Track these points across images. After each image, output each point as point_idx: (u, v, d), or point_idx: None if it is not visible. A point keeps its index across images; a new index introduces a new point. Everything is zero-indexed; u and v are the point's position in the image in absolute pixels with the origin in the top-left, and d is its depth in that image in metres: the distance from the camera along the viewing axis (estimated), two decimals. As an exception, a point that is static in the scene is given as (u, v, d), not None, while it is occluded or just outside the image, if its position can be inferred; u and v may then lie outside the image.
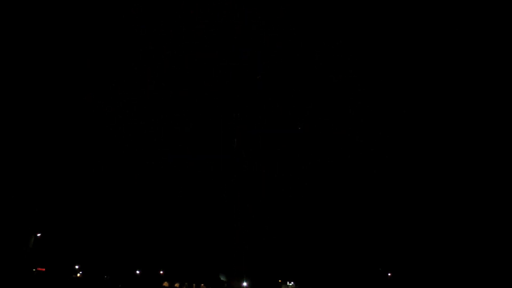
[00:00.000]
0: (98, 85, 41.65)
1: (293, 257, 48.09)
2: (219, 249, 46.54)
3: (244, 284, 46.93)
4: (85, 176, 44.60)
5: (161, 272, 49.74)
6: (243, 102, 42.83)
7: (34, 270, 44.27)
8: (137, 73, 41.35)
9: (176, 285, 50.14)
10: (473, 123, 42.81)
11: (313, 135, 46.29)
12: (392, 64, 42.82)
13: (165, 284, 50.01)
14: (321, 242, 47.88)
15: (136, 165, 44.53)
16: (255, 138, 43.65)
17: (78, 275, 48.33)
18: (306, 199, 47.62)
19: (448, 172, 44.28)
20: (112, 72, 40.95)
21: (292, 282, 51.41)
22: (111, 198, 44.96)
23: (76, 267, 48.07)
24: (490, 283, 40.87)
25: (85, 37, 39.71)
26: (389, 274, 48.05)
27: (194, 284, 50.18)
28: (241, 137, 43.65)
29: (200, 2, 37.83)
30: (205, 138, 43.09)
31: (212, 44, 39.26)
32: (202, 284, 49.97)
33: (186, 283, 50.13)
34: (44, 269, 45.23)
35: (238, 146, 43.62)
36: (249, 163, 44.76)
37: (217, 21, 38.46)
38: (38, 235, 43.15)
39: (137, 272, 49.24)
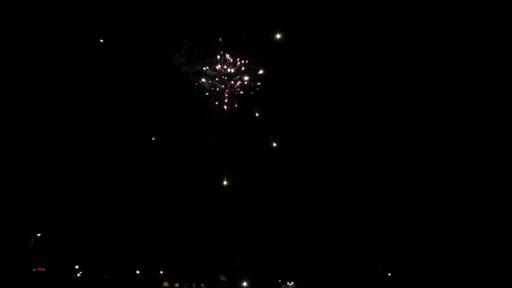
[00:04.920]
0: (98, 84, 41.64)
1: (293, 257, 48.13)
2: (219, 249, 46.59)
3: (244, 284, 46.95)
4: (85, 175, 44.62)
5: (161, 272, 49.74)
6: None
7: (34, 270, 44.27)
8: (137, 72, 41.34)
9: (176, 285, 50.15)
10: (473, 123, 42.83)
11: (313, 134, 46.31)
12: (392, 65, 42.84)
13: (165, 284, 50.02)
14: (321, 242, 47.91)
15: (136, 164, 44.54)
16: (256, 136, 43.65)
17: (78, 275, 48.30)
18: (306, 198, 47.67)
19: (448, 172, 44.30)
20: (111, 72, 40.95)
21: (292, 282, 51.41)
22: (111, 198, 44.98)
23: (76, 267, 48.05)
24: (490, 283, 40.90)
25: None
26: (389, 274, 48.07)
27: (194, 284, 50.19)
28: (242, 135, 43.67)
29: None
30: (204, 138, 43.08)
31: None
32: (202, 284, 49.99)
33: (186, 283, 50.13)
34: (44, 269, 45.23)
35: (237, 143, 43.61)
36: (248, 162, 44.78)
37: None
38: (38, 235, 43.16)
39: (137, 272, 49.24)
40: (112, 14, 37.16)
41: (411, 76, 43.13)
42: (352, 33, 40.35)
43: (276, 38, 37.85)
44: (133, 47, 38.63)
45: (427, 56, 41.90)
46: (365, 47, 41.43)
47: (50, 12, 37.66)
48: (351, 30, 40.19)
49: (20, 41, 38.12)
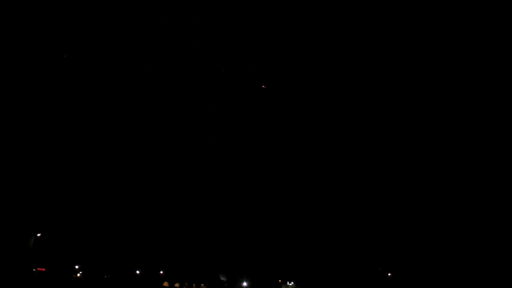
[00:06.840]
0: (97, 84, 41.65)
1: (293, 257, 48.11)
2: (219, 249, 46.58)
3: (244, 284, 46.93)
4: (85, 175, 44.63)
5: (161, 272, 49.75)
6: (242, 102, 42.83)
7: (34, 270, 44.28)
8: (137, 72, 41.34)
9: (176, 285, 50.16)
10: (473, 123, 42.83)
11: (313, 134, 46.30)
12: (392, 64, 42.83)
13: (165, 284, 50.03)
14: (321, 242, 47.90)
15: (136, 164, 44.55)
16: (254, 136, 43.66)
17: (78, 275, 48.33)
18: (306, 198, 47.66)
19: (448, 172, 44.30)
20: (111, 71, 40.95)
21: (292, 282, 51.39)
22: (110, 198, 44.99)
23: (76, 267, 48.07)
24: (490, 283, 40.88)
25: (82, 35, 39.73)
26: (389, 274, 48.05)
27: (194, 284, 50.19)
28: (240, 135, 43.67)
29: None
30: (204, 138, 43.10)
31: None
32: (202, 284, 49.98)
33: (186, 283, 50.14)
34: (44, 269, 45.24)
35: (237, 144, 43.63)
36: (248, 162, 44.77)
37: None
38: (38, 235, 43.16)
39: (137, 272, 49.25)
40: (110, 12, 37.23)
41: (410, 76, 43.15)
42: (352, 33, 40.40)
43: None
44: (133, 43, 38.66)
45: (426, 56, 41.91)
46: (364, 47, 41.46)
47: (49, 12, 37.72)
48: (351, 30, 40.24)
49: (20, 41, 38.17)
